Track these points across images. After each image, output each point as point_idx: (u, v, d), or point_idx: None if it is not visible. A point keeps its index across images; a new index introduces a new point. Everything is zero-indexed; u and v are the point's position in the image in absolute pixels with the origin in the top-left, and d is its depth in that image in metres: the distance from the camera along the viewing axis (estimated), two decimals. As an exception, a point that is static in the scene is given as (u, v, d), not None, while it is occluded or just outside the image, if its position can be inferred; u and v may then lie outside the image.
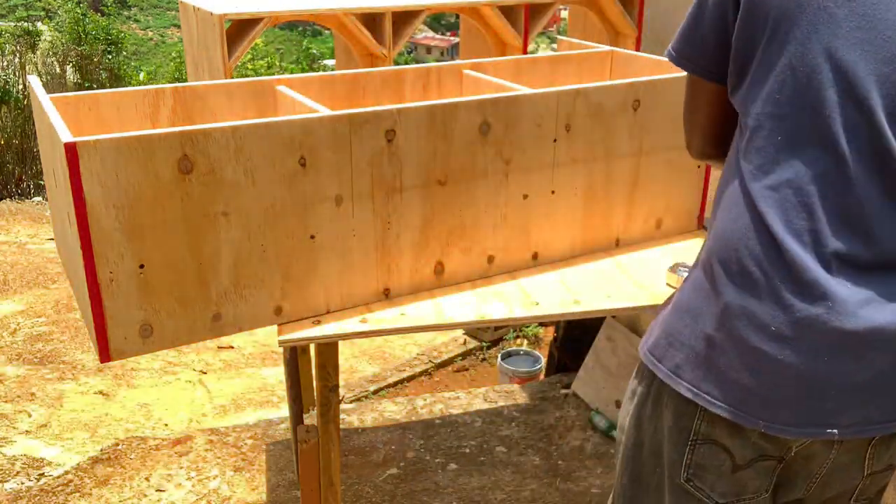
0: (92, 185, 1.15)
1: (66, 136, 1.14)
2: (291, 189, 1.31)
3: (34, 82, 1.45)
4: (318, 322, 1.40)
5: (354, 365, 3.17)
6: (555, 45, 2.28)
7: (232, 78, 1.84)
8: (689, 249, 1.70)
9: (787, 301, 0.94)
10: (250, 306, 1.36)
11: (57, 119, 1.23)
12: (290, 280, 1.37)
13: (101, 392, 2.93)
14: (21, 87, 6.63)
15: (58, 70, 7.56)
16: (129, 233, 1.21)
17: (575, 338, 2.97)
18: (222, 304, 1.33)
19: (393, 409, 2.87)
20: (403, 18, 2.13)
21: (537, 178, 1.54)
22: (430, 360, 3.53)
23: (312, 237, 1.36)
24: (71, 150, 1.12)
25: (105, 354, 1.26)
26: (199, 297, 1.31)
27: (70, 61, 7.61)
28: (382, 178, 1.39)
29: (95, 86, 7.55)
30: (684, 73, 1.12)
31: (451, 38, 33.35)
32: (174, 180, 1.22)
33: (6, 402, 2.83)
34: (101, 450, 2.58)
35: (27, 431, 2.67)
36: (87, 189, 1.15)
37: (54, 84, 7.36)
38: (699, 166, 1.73)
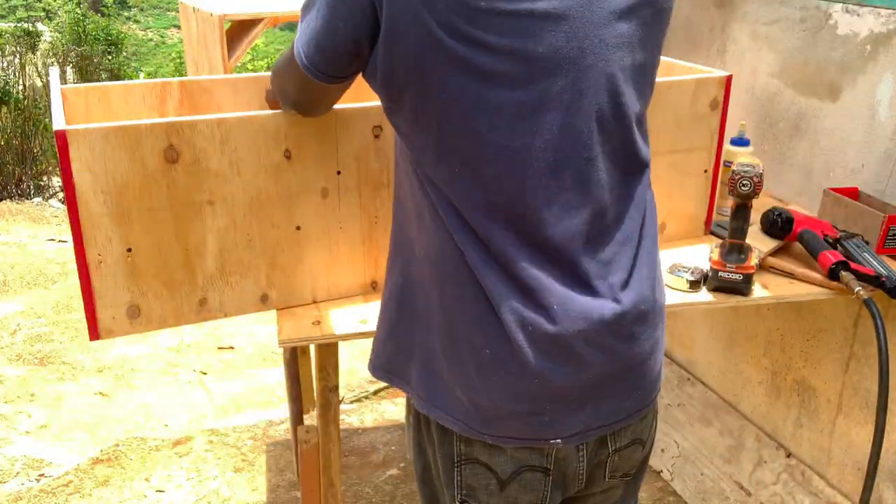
0: (81, 170, 1.20)
1: (59, 123, 1.19)
2: (277, 180, 1.34)
3: (53, 74, 1.54)
4: (318, 322, 1.40)
5: (354, 365, 3.16)
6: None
7: (232, 78, 1.84)
8: (693, 254, 1.70)
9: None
10: (236, 293, 1.39)
11: (57, 107, 1.27)
12: (275, 269, 1.40)
13: (101, 392, 2.93)
14: (21, 87, 6.62)
15: (58, 71, 7.56)
16: (117, 217, 1.25)
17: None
18: (209, 289, 1.36)
19: (393, 410, 2.87)
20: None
21: None
22: (430, 361, 3.53)
23: (298, 228, 1.38)
24: (61, 138, 1.17)
25: (94, 332, 1.30)
26: (186, 281, 1.34)
27: (70, 62, 7.60)
28: (369, 173, 1.40)
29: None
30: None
31: (451, 38, 33.31)
32: (160, 169, 1.25)
33: (6, 402, 2.83)
34: (101, 450, 2.58)
35: (27, 432, 2.67)
36: (77, 174, 1.20)
37: (54, 84, 7.33)
38: (706, 171, 1.72)
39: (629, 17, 0.96)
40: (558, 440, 1.00)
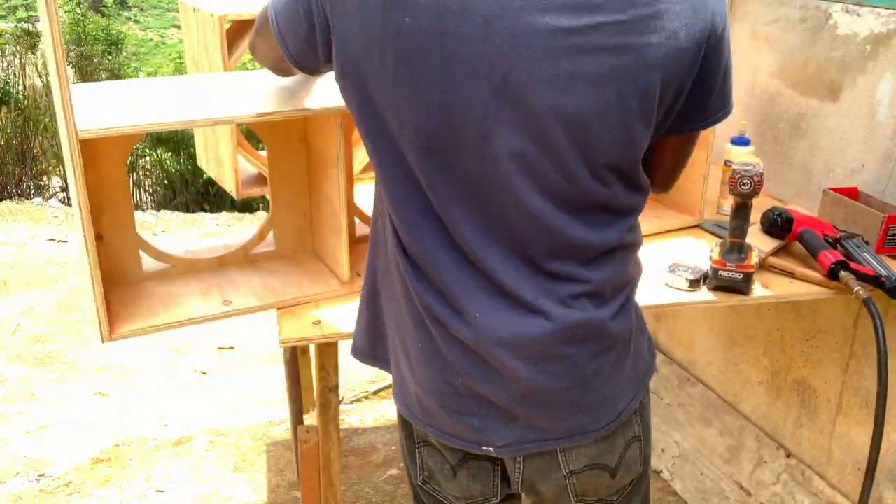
0: None
1: None
2: None
3: None
4: (318, 322, 1.40)
5: (354, 365, 3.17)
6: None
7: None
8: (688, 245, 1.70)
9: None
10: None
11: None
12: None
13: (101, 392, 2.93)
14: (21, 87, 6.62)
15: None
16: None
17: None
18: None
19: (393, 410, 2.87)
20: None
21: None
22: (430, 361, 3.53)
23: None
24: None
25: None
26: None
27: (70, 62, 7.60)
28: None
29: (95, 86, 7.54)
30: None
31: (451, 38, 33.32)
32: None
33: (6, 402, 2.83)
34: (101, 450, 2.58)
35: (27, 432, 2.67)
36: None
37: (54, 84, 7.32)
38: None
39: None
40: (490, 448, 1.00)
